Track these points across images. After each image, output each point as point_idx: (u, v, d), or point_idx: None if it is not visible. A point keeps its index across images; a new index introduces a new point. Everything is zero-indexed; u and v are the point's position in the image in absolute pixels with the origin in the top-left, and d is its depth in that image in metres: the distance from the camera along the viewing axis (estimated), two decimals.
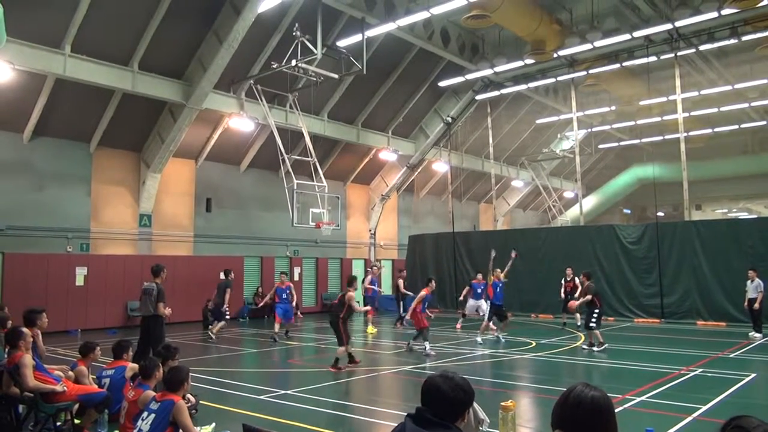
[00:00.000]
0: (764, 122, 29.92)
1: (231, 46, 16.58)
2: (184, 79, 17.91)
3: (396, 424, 2.50)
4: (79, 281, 17.86)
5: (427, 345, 12.67)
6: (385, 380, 10.78)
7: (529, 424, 7.28)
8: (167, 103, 18.27)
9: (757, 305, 15.03)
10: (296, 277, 23.50)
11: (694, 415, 7.38)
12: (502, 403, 5.75)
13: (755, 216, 34.24)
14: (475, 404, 2.91)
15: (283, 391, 9.11)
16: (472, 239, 24.76)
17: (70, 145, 18.11)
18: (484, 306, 15.84)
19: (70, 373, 7.03)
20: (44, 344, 7.80)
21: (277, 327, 15.67)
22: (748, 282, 15.36)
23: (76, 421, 6.56)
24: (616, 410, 2.14)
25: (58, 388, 6.25)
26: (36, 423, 6.65)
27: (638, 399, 8.28)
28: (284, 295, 16.05)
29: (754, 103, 26.90)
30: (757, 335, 14.86)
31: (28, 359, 6.17)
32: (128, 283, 17.88)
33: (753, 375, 10.04)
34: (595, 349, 13.05)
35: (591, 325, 13.24)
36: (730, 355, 12.47)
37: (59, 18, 15.07)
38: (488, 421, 3.16)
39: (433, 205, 31.63)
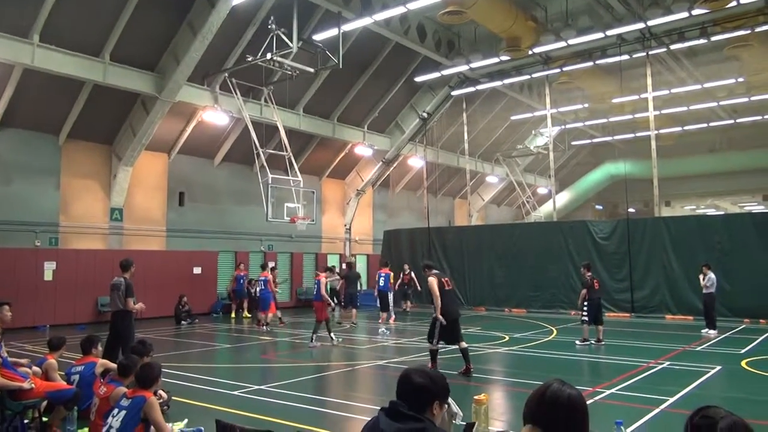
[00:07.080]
0: (732, 121, 30.57)
1: (205, 38, 16.36)
2: (157, 71, 17.61)
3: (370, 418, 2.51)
4: (48, 276, 17.50)
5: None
6: (360, 375, 10.80)
7: (501, 417, 7.36)
8: (139, 96, 17.95)
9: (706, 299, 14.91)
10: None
11: (662, 406, 7.54)
12: (475, 397, 5.80)
13: (722, 212, 35.03)
14: (449, 398, 2.94)
15: (256, 387, 9.06)
16: (447, 234, 24.89)
17: (38, 136, 17.68)
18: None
19: (36, 368, 6.88)
20: (11, 340, 7.63)
21: (270, 316, 17.01)
22: (701, 276, 15.25)
23: (44, 419, 6.44)
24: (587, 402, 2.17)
25: (26, 385, 6.11)
26: (2, 421, 6.49)
27: (608, 392, 8.43)
28: (263, 285, 17.54)
29: (722, 102, 27.51)
30: (711, 332, 14.54)
31: None
32: (99, 278, 17.50)
33: (718, 367, 10.29)
34: (577, 342, 13.17)
35: (584, 318, 13.24)
36: (697, 348, 12.78)
37: (28, 6, 14.68)
38: (461, 414, 3.19)
39: (408, 200, 31.71)
